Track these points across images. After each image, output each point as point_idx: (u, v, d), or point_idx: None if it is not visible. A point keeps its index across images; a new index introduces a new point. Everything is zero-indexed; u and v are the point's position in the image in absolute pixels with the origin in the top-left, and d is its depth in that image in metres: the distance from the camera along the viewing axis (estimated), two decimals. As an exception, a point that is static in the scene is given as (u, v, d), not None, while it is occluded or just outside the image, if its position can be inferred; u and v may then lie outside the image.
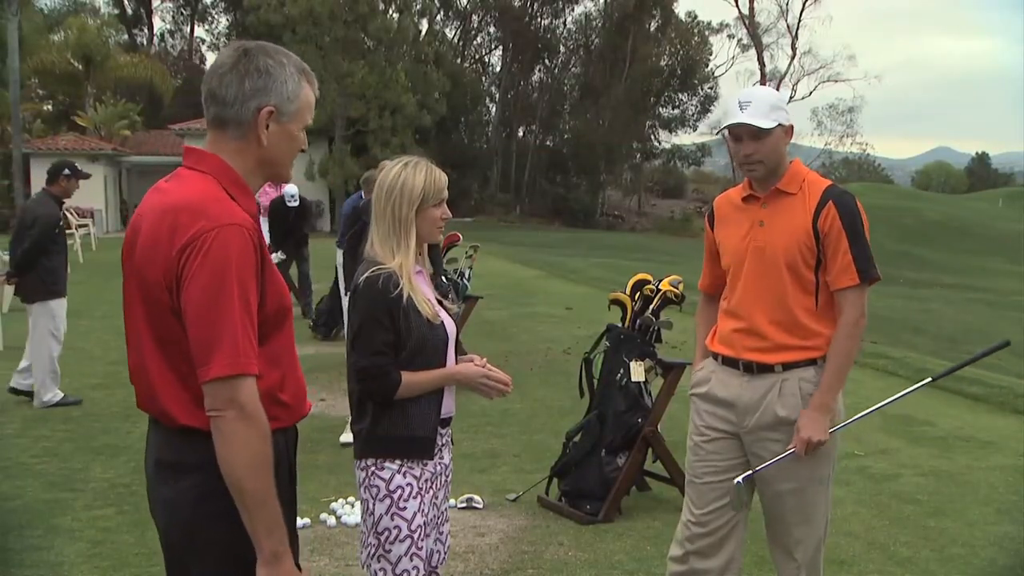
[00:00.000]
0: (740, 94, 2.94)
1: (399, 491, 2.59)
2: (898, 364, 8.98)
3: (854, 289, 2.87)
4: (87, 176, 7.39)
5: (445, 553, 2.83)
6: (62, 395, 7.08)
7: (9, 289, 11.92)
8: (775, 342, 2.93)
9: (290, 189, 11.04)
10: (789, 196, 2.93)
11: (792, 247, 2.89)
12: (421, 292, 2.64)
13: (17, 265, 7.02)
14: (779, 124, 2.87)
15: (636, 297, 5.07)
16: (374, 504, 2.60)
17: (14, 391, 7.18)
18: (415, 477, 2.62)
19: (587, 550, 4.33)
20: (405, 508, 2.59)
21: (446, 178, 2.72)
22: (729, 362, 3.02)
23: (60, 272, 7.11)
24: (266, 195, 11.48)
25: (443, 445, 2.76)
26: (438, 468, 2.73)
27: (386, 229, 2.65)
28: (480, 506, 4.87)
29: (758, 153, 2.88)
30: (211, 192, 1.89)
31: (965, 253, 37.13)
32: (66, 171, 6.96)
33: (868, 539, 4.50)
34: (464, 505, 4.85)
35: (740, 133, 2.89)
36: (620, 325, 5.08)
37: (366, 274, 2.61)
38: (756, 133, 2.85)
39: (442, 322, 2.67)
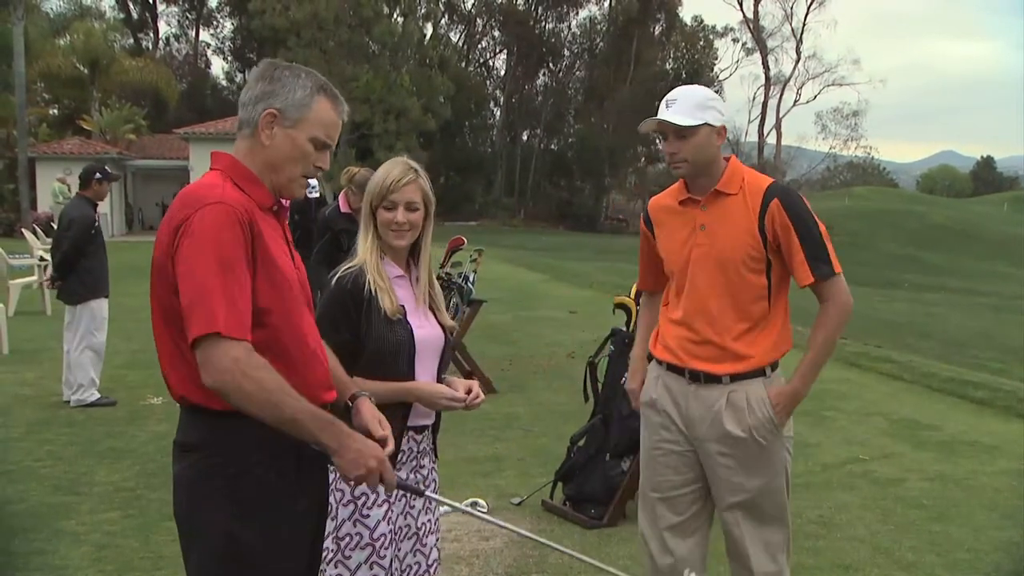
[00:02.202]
0: (669, 93, 2.88)
1: (364, 497, 2.49)
2: (903, 368, 8.89)
3: (822, 283, 2.79)
4: (117, 178, 7.68)
5: (430, 566, 2.69)
6: (98, 395, 7.12)
7: (15, 293, 12.04)
8: (722, 351, 2.85)
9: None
10: (729, 197, 2.83)
11: (737, 252, 2.79)
12: (387, 290, 2.53)
13: (57, 268, 7.17)
14: (706, 123, 2.79)
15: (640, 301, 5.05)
16: (338, 508, 2.50)
17: (82, 404, 7.03)
18: None
19: (591, 554, 4.32)
20: (368, 516, 2.50)
21: (405, 180, 2.53)
22: (675, 369, 2.94)
23: (100, 272, 7.22)
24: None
25: (420, 453, 2.65)
26: (414, 477, 2.62)
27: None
28: (484, 510, 4.87)
29: (682, 152, 2.81)
30: (212, 181, 2.02)
31: (970, 257, 37.06)
32: (97, 175, 7.18)
33: (873, 544, 4.49)
34: (468, 509, 4.84)
35: (666, 131, 2.83)
36: (625, 329, 5.07)
37: (338, 272, 2.57)
38: (680, 131, 2.79)
39: (402, 320, 2.53)
